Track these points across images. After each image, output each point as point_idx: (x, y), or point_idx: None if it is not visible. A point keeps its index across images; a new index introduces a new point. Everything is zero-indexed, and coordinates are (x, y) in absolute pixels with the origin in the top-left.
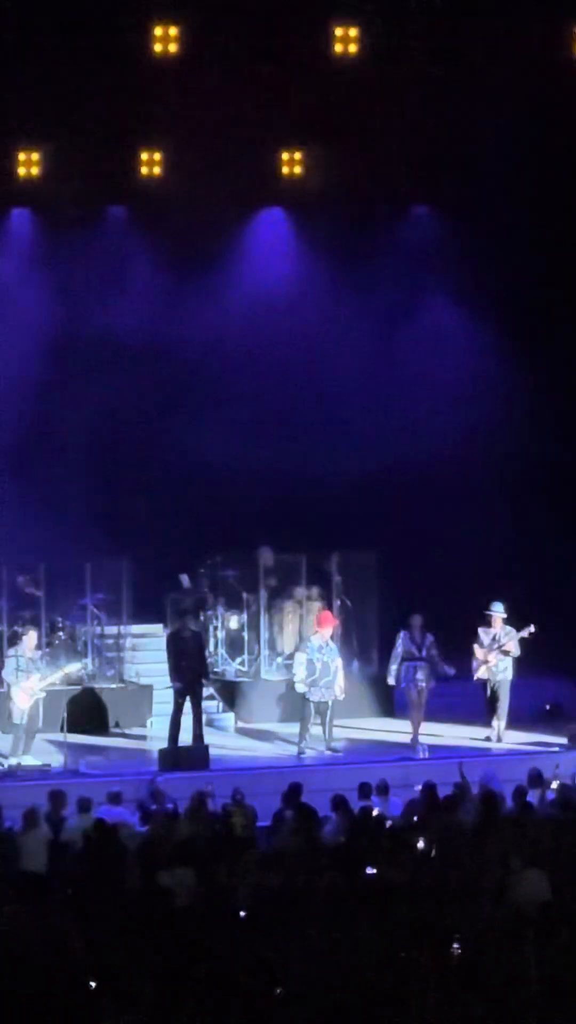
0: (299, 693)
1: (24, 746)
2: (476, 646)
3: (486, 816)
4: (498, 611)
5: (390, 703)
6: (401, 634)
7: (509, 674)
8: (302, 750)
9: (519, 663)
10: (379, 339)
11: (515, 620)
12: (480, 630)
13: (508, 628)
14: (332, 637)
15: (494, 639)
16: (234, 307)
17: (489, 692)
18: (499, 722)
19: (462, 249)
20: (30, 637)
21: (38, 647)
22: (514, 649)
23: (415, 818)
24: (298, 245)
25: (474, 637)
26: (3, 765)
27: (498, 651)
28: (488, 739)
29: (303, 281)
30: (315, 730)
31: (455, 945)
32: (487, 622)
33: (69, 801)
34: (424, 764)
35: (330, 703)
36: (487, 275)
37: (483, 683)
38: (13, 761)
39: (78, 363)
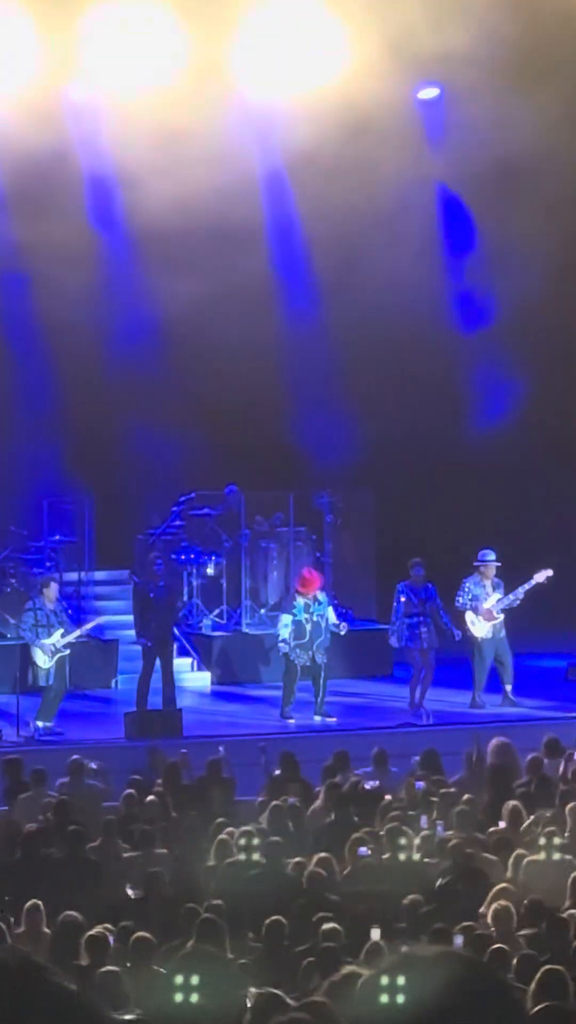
0: (284, 654)
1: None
2: (468, 600)
3: (498, 791)
4: (491, 559)
5: (388, 662)
6: (400, 587)
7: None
8: (286, 715)
9: (535, 617)
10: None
11: (529, 565)
12: (471, 583)
13: (499, 581)
14: (321, 591)
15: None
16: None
17: (484, 654)
18: (508, 686)
19: None
20: (50, 588)
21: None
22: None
23: (417, 792)
24: None
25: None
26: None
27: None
28: (508, 701)
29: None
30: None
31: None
32: (478, 574)
33: (24, 772)
34: (428, 731)
35: (323, 666)
36: None
37: (480, 645)
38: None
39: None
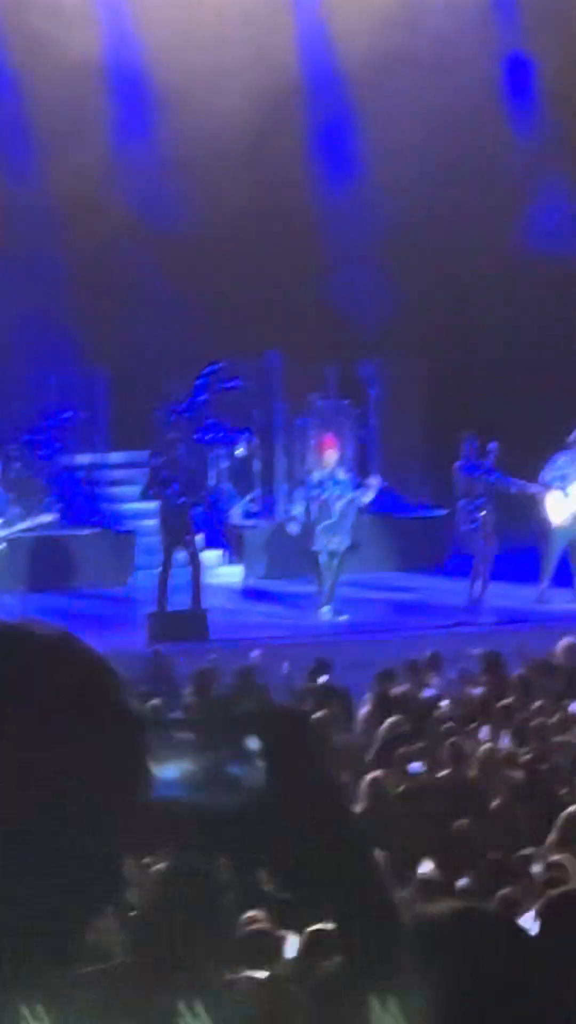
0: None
1: None
2: (557, 476)
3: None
4: None
5: (441, 553)
6: (457, 467)
7: None
8: (325, 612)
9: None
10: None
11: None
12: (565, 458)
13: None
14: (339, 465)
15: None
16: None
17: (556, 543)
18: None
19: None
20: None
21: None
22: None
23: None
24: None
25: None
26: None
27: None
28: None
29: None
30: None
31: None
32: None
33: None
34: (488, 631)
35: (339, 553)
36: None
37: (553, 532)
38: None
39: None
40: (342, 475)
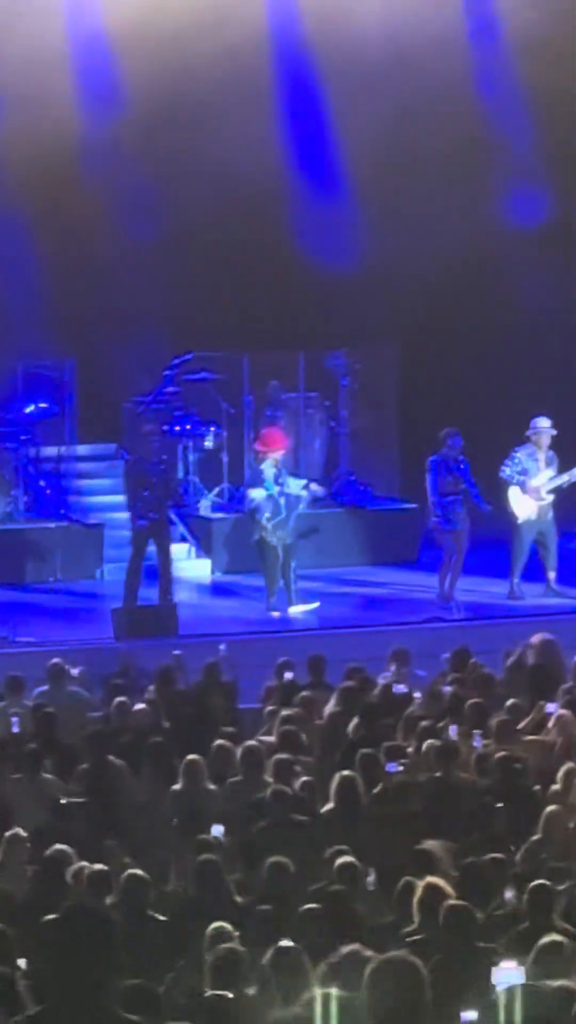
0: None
1: None
2: (516, 472)
3: (541, 696)
4: (545, 427)
5: (414, 547)
6: (432, 460)
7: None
8: (272, 607)
9: None
10: None
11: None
12: (523, 453)
13: (552, 454)
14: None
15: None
16: None
17: (524, 538)
18: (552, 573)
19: None
20: None
21: None
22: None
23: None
24: None
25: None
26: None
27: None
28: (551, 590)
29: None
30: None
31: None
32: (532, 444)
33: None
34: (459, 627)
35: (292, 548)
36: None
37: (520, 527)
38: None
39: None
40: (286, 475)
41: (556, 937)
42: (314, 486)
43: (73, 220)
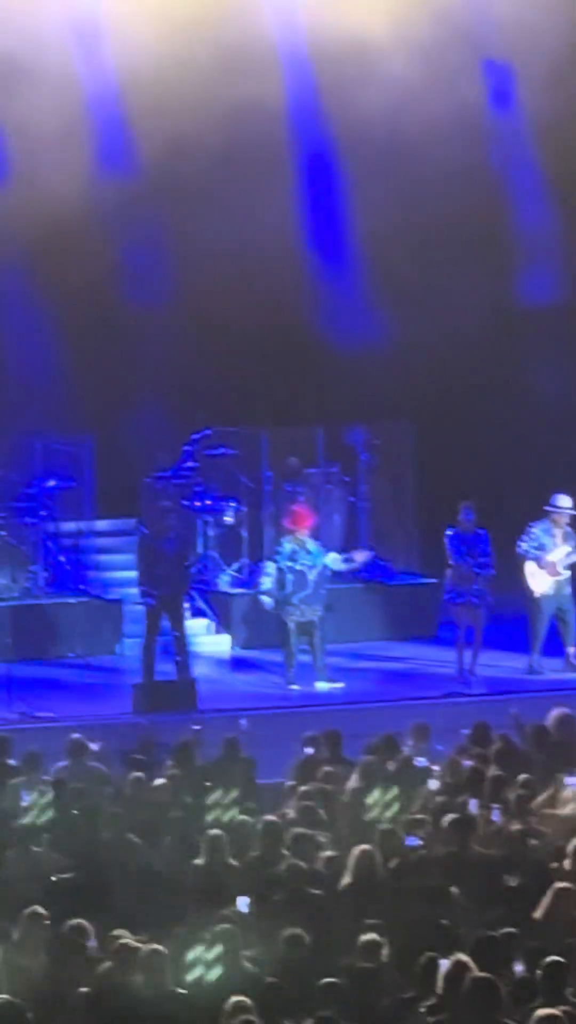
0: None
1: None
2: (533, 547)
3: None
4: (565, 506)
5: (432, 622)
6: (446, 535)
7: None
8: (291, 681)
9: None
10: None
11: None
12: (540, 528)
13: (571, 531)
14: (312, 537)
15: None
16: None
17: (542, 612)
18: (572, 648)
19: None
20: None
21: None
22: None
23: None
24: None
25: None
26: None
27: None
28: (571, 666)
29: None
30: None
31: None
32: (549, 520)
33: (14, 753)
34: (478, 703)
35: (316, 622)
36: None
37: (538, 602)
38: None
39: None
40: (312, 545)
41: (554, 1011)
42: (358, 555)
43: (91, 296)
